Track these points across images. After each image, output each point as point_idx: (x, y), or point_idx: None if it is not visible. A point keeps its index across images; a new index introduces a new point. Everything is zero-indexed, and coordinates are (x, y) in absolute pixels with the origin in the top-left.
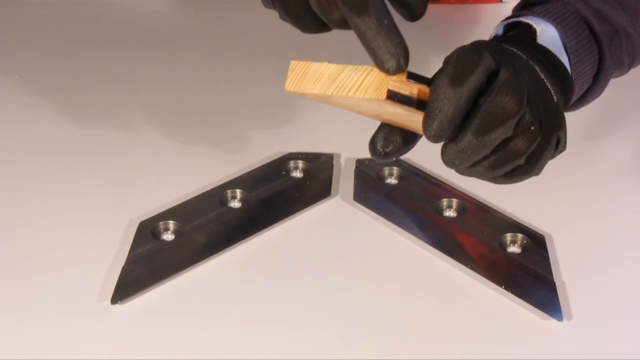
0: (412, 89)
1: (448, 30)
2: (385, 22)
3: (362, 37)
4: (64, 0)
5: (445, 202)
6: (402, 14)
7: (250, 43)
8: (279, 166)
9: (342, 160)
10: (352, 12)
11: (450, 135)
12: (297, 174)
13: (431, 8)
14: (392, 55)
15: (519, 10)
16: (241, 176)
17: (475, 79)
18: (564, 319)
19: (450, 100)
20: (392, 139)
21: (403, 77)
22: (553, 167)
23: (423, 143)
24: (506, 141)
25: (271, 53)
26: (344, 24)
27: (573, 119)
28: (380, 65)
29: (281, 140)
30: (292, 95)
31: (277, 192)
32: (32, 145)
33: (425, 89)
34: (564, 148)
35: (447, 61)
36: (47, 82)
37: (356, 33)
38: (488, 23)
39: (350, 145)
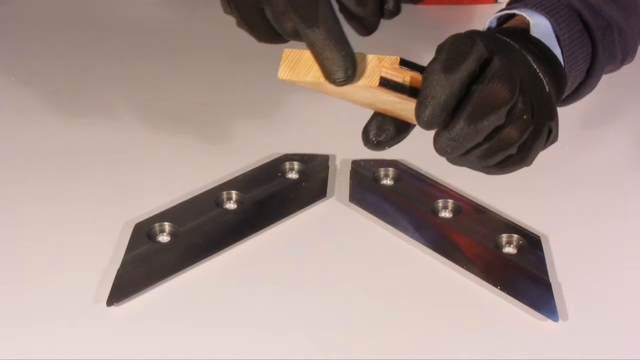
0: (404, 76)
1: (443, 31)
2: (335, 34)
3: (312, 48)
4: (59, 2)
5: (440, 202)
6: (355, 28)
7: (245, 44)
8: (274, 167)
9: (338, 162)
10: (302, 23)
11: (443, 122)
12: (293, 175)
13: (426, 9)
14: (340, 67)
15: (512, 3)
16: (236, 177)
17: (467, 67)
18: (560, 320)
19: (443, 87)
20: (384, 128)
21: (396, 63)
22: (549, 167)
23: (418, 144)
24: (498, 129)
25: (267, 54)
26: (297, 35)
27: (568, 117)
28: (327, 76)
29: (276, 141)
30: (287, 96)
31: (273, 194)
32: (26, 148)
33: (417, 76)
34: (555, 139)
35: (440, 49)
36: (41, 84)
37: (306, 44)
38: (483, 23)
39: (345, 146)
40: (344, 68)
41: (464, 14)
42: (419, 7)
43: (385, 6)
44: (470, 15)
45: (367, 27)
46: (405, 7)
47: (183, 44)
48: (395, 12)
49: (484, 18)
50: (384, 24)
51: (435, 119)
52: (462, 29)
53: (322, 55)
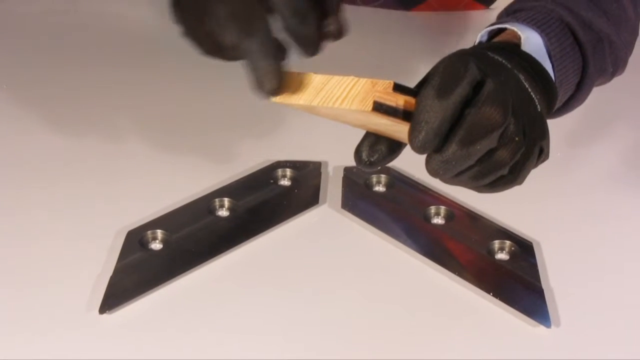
0: (397, 100)
1: (435, 38)
2: (269, 46)
3: (246, 57)
4: (51, 10)
5: (433, 209)
6: (298, 49)
7: None
8: (266, 174)
9: (330, 168)
10: (239, 33)
11: (436, 146)
12: (285, 182)
13: (418, 15)
14: (270, 78)
15: (503, 16)
16: (229, 185)
17: (461, 91)
18: (552, 326)
19: (436, 113)
20: (377, 148)
21: (389, 88)
22: (541, 174)
23: (410, 150)
24: (491, 152)
25: None
26: (235, 49)
27: (559, 126)
28: (257, 85)
29: (269, 148)
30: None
31: (265, 201)
32: (18, 155)
33: (411, 100)
34: (546, 157)
35: (433, 72)
36: (33, 91)
37: (242, 53)
38: (476, 30)
39: (338, 153)
40: (274, 79)
41: (456, 21)
42: (411, 13)
43: (328, 27)
44: (462, 22)
45: (308, 48)
46: (397, 14)
47: (175, 52)
48: (338, 33)
49: (476, 25)
50: (377, 30)
51: (429, 144)
52: (454, 35)
53: (254, 64)
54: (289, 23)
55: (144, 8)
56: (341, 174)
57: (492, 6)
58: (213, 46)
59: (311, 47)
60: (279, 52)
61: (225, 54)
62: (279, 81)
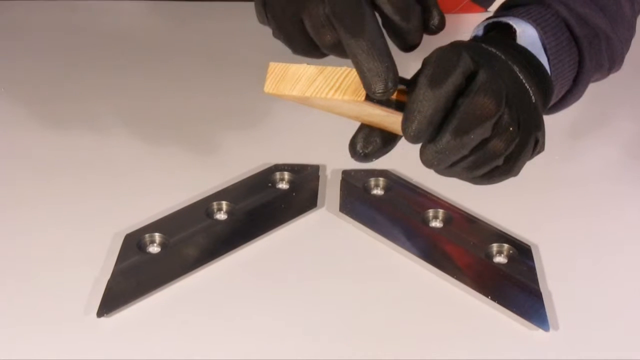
0: None
1: (433, 40)
2: (379, 45)
3: (355, 59)
4: (46, 11)
5: (431, 212)
6: (397, 44)
7: (238, 53)
8: (264, 178)
9: (328, 172)
10: (347, 33)
11: (429, 135)
12: (283, 185)
13: None
14: (381, 78)
15: (499, 11)
16: (227, 188)
17: (453, 80)
18: (551, 329)
19: (429, 102)
20: (371, 140)
21: None
22: (538, 177)
23: (408, 154)
24: (484, 142)
25: (257, 65)
26: (335, 48)
27: (558, 127)
28: (367, 87)
29: (267, 151)
30: (278, 106)
31: (263, 204)
32: (15, 158)
33: (404, 90)
34: (542, 149)
35: (425, 62)
36: (31, 92)
37: (349, 54)
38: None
39: (336, 156)
40: (385, 80)
41: (454, 23)
42: None
43: (431, 22)
44: (460, 24)
45: (409, 43)
46: None
47: (172, 55)
48: (441, 27)
49: (473, 27)
50: None
51: (422, 133)
52: (451, 37)
53: (364, 66)
54: (393, 19)
55: (144, 9)
56: (339, 177)
57: (491, 8)
58: (307, 45)
59: (412, 43)
60: (388, 49)
61: (320, 53)
62: (390, 82)
